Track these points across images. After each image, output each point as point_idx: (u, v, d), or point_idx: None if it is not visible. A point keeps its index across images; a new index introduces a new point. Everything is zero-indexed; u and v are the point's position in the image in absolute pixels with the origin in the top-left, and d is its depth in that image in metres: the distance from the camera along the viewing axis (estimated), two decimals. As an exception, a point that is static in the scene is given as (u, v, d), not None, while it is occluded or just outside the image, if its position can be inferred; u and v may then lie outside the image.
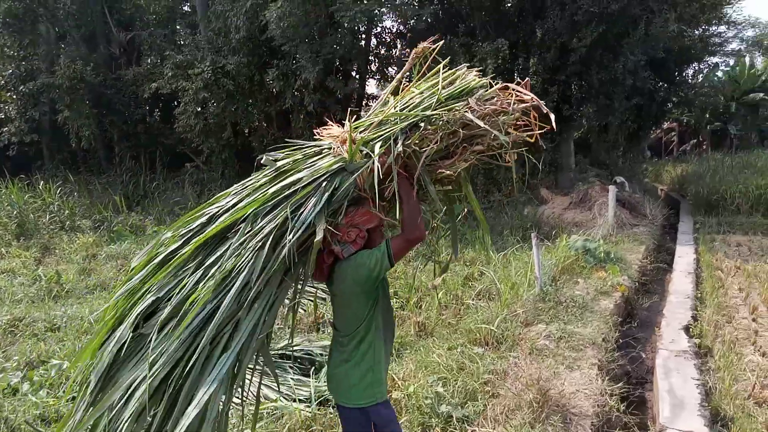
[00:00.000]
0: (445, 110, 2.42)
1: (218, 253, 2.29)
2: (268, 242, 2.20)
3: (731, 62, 29.50)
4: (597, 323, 5.43)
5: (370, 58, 15.84)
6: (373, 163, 2.31)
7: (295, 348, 4.54)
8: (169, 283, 2.29)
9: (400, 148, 2.34)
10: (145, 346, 2.22)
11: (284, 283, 2.32)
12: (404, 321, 5.61)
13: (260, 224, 2.26)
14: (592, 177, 14.67)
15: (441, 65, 2.70)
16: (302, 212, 2.25)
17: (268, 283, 2.23)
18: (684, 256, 8.89)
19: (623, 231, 10.38)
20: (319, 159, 2.44)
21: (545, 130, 2.54)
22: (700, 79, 27.05)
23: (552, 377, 3.99)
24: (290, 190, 2.33)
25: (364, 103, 16.84)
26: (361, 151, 2.38)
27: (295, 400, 3.82)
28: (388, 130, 2.42)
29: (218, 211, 2.43)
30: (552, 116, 2.43)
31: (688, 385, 4.21)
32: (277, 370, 4.16)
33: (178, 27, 19.11)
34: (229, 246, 2.26)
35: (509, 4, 15.16)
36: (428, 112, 2.42)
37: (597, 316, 5.64)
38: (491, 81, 2.62)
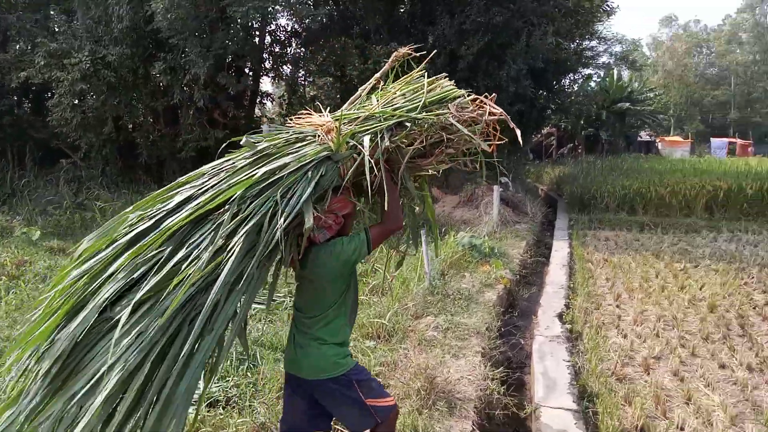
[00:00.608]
0: (432, 114, 2.61)
1: (201, 234, 2.22)
2: (264, 224, 2.22)
3: (602, 74, 32.19)
4: (481, 314, 5.76)
5: (264, 55, 15.58)
6: (360, 154, 2.45)
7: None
8: (144, 264, 2.18)
9: (387, 143, 2.51)
10: (109, 332, 2.09)
11: (264, 266, 2.28)
12: (298, 318, 5.61)
13: (249, 207, 2.25)
14: (480, 177, 15.41)
15: (420, 72, 2.92)
16: (291, 198, 2.28)
17: (258, 266, 2.22)
18: (560, 250, 9.62)
19: (507, 228, 11.04)
20: (304, 145, 2.50)
21: (504, 141, 2.81)
22: (575, 89, 29.28)
23: (439, 366, 4.19)
24: (278, 175, 2.34)
25: (258, 100, 16.54)
26: (348, 143, 2.48)
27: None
28: (376, 125, 2.57)
29: (196, 191, 2.37)
30: (518, 131, 2.70)
31: (560, 367, 4.61)
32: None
33: (51, 12, 17.65)
34: (215, 227, 2.22)
35: (402, 10, 15.57)
36: (419, 115, 2.60)
37: (481, 307, 5.99)
38: (465, 92, 2.81)
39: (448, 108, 2.66)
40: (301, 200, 2.28)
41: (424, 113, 2.61)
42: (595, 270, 8.22)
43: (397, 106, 2.68)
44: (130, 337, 2.02)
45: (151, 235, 2.24)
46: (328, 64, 15.16)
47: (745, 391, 4.28)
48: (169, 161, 14.69)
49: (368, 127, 2.57)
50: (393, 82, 2.96)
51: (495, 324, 5.68)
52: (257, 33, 15.15)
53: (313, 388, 2.65)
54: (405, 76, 2.93)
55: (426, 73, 2.88)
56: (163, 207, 2.36)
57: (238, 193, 2.27)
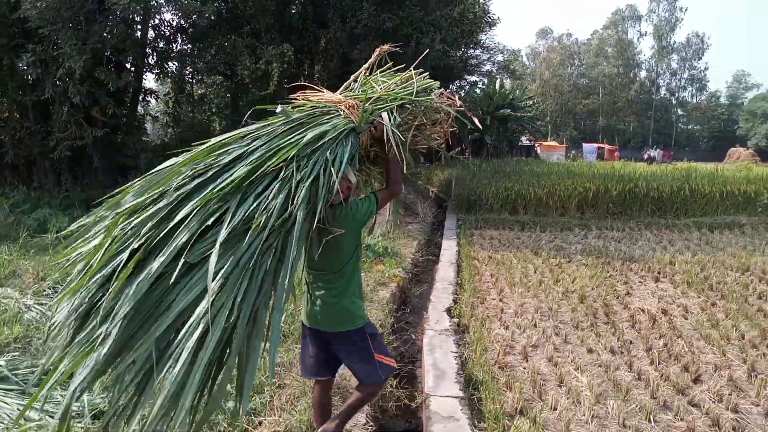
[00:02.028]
0: (425, 98, 3.21)
1: (265, 187, 2.47)
2: (321, 178, 2.53)
3: (486, 82, 33.95)
4: (376, 311, 5.93)
5: (147, 50, 14.83)
6: (375, 127, 2.96)
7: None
8: (214, 212, 2.32)
9: (398, 119, 3.01)
10: (185, 275, 2.20)
11: (307, 220, 2.50)
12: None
13: (309, 164, 2.56)
14: (371, 179, 15.70)
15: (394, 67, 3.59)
16: (335, 159, 2.63)
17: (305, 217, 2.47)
18: (449, 248, 10.07)
19: (399, 228, 11.37)
20: (332, 118, 2.86)
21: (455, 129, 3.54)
22: (462, 95, 30.65)
23: (334, 363, 4.28)
24: (322, 141, 2.67)
25: (141, 98, 15.71)
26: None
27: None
28: (385, 105, 3.04)
29: (245, 150, 2.61)
30: (476, 121, 3.66)
31: (449, 358, 4.86)
32: (34, 388, 3.78)
33: None
34: (279, 181, 2.47)
35: (294, 11, 15.50)
36: (418, 98, 3.18)
37: (376, 305, 6.16)
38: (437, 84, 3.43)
39: (432, 95, 3.27)
40: (344, 161, 2.65)
41: (422, 98, 3.20)
42: (480, 267, 8.71)
43: (396, 91, 3.17)
44: (218, 278, 2.15)
45: (213, 187, 2.40)
46: (217, 62, 14.75)
47: (608, 371, 4.77)
48: (40, 161, 13.56)
49: (380, 106, 3.03)
50: (370, 74, 3.50)
51: (388, 321, 5.87)
52: (139, 27, 14.41)
53: (330, 338, 3.04)
54: (385, 70, 3.51)
55: (412, 69, 3.45)
56: (215, 162, 2.53)
57: (293, 152, 2.57)
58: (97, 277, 2.27)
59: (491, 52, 27.00)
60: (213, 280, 2.12)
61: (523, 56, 73.83)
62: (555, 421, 3.91)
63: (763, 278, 8.12)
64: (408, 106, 3.13)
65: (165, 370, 2.08)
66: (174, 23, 15.30)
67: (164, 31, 15.30)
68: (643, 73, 74.27)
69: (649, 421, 3.96)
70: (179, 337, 2.10)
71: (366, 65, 3.50)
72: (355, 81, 3.43)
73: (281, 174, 2.50)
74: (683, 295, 7.26)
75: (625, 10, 72.94)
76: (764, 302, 6.94)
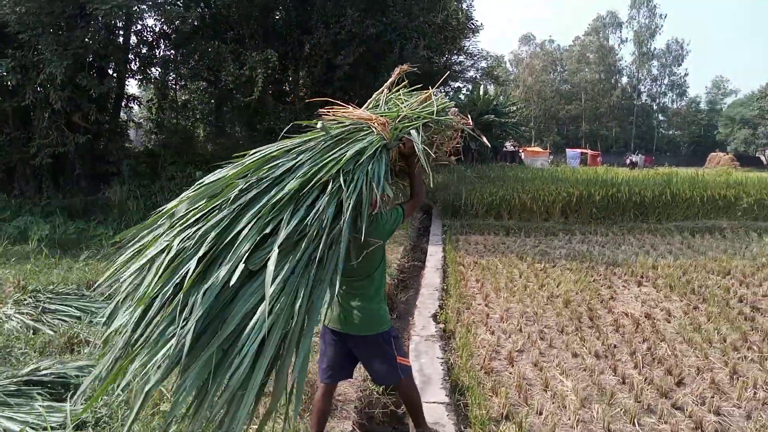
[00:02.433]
0: (445, 117, 3.45)
1: (314, 199, 2.61)
2: (364, 192, 2.71)
3: (470, 88, 34.20)
4: (361, 318, 5.91)
5: (130, 56, 14.70)
6: (404, 144, 3.16)
7: (45, 372, 4.07)
8: (271, 222, 2.49)
9: (424, 137, 3.21)
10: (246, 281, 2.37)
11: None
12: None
13: (353, 180, 2.70)
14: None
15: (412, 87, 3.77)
16: (373, 174, 2.81)
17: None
18: (434, 254, 10.09)
19: (385, 234, 11.33)
20: (366, 134, 3.02)
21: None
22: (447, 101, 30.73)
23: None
24: (362, 157, 2.83)
25: (124, 104, 15.57)
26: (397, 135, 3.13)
27: (46, 429, 3.45)
28: (413, 123, 3.25)
29: (294, 164, 2.76)
30: (485, 139, 3.95)
31: (435, 364, 4.87)
32: (22, 399, 3.73)
33: None
34: (328, 194, 2.62)
35: (277, 17, 15.49)
36: (440, 117, 3.40)
37: (361, 312, 6.13)
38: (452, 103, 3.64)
39: (448, 114, 3.50)
40: (381, 177, 2.85)
41: (443, 117, 3.44)
42: (466, 272, 8.73)
43: (420, 110, 3.39)
44: (276, 283, 2.31)
45: (268, 199, 2.57)
46: (200, 68, 14.68)
47: (593, 375, 4.81)
48: (21, 168, 13.36)
49: (408, 124, 3.23)
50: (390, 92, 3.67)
51: (374, 327, 5.85)
52: (122, 33, 14.30)
53: (357, 342, 3.19)
54: (404, 89, 3.70)
55: (430, 89, 3.70)
56: (268, 175, 2.69)
57: (338, 167, 2.72)
58: (162, 283, 2.38)
59: (475, 58, 27.17)
60: (271, 285, 2.28)
61: (507, 62, 74.41)
62: (540, 425, 3.93)
63: (743, 281, 8.25)
64: (431, 125, 3.37)
65: (228, 372, 2.22)
66: (157, 29, 15.19)
67: (147, 37, 15.17)
68: (624, 79, 75.30)
69: (634, 424, 3.99)
70: (242, 340, 2.24)
71: (387, 83, 3.69)
72: (377, 99, 3.64)
73: (328, 187, 2.64)
74: (666, 298, 7.35)
75: (606, 17, 73.97)
76: (744, 305, 7.04)
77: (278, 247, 2.38)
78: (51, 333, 5.20)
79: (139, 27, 14.92)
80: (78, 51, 11.58)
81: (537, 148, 51.64)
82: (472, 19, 21.18)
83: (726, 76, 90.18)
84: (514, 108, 40.15)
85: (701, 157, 57.05)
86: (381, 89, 3.65)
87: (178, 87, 16.96)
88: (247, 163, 2.81)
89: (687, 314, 6.61)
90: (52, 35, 11.49)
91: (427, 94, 3.56)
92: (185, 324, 2.20)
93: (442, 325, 6.11)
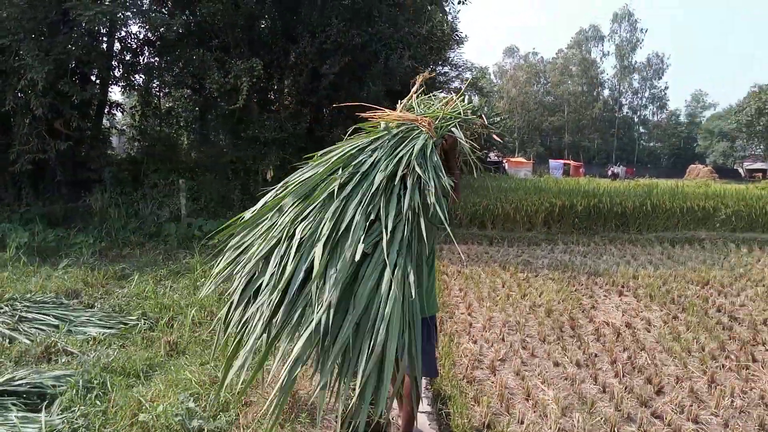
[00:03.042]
0: (475, 117, 3.82)
1: (395, 193, 2.82)
2: (437, 182, 2.90)
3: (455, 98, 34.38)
4: (344, 327, 5.89)
5: (113, 63, 14.58)
6: (446, 141, 3.44)
7: (20, 382, 4.00)
8: (372, 211, 2.72)
9: (460, 134, 3.50)
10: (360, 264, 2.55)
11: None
12: (153, 342, 5.34)
13: (424, 172, 2.93)
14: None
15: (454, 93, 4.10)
16: (435, 167, 3.01)
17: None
18: (418, 264, 10.08)
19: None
20: (419, 133, 3.25)
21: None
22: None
23: (302, 380, 4.22)
24: (427, 150, 3.09)
25: (106, 110, 15.41)
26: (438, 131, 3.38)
27: (20, 440, 3.39)
28: (449, 123, 3.51)
29: (374, 160, 3.01)
30: (499, 139, 4.56)
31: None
32: (-4, 409, 3.66)
33: None
34: (405, 187, 2.83)
35: (263, 25, 15.48)
36: (471, 117, 3.77)
37: (344, 321, 6.11)
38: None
39: (474, 116, 3.81)
40: (442, 168, 3.09)
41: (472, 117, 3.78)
42: (449, 281, 8.76)
43: (452, 110, 3.66)
44: (390, 266, 2.49)
45: (365, 190, 2.80)
46: (185, 75, 14.60)
47: (574, 384, 4.84)
48: (0, 175, 13.14)
49: (445, 123, 3.50)
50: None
51: (357, 337, 5.83)
52: (105, 39, 14.18)
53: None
54: (429, 96, 4.05)
55: (453, 94, 4.03)
56: (357, 171, 2.93)
57: (410, 161, 2.96)
58: (293, 268, 2.58)
59: (459, 69, 27.44)
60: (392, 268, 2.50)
61: (491, 74, 75.11)
62: (522, 434, 3.94)
63: (721, 291, 8.38)
64: (462, 124, 3.66)
65: (368, 343, 2.40)
66: (141, 36, 15.06)
67: (131, 44, 15.05)
68: (606, 92, 76.42)
69: (614, 433, 4.03)
70: (372, 316, 2.43)
71: (414, 90, 4.02)
72: (406, 103, 3.94)
73: (408, 180, 2.87)
74: (646, 308, 7.43)
75: (589, 30, 75.10)
76: (723, 315, 7.15)
77: (389, 230, 2.62)
78: (27, 342, 5.12)
79: (123, 34, 14.79)
80: (60, 57, 11.46)
81: (520, 159, 52.10)
82: (457, 31, 21.42)
83: (705, 89, 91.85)
84: (498, 119, 40.43)
85: (681, 169, 57.97)
86: (410, 95, 3.98)
87: (161, 94, 16.84)
88: (333, 160, 3.06)
89: (666, 324, 6.70)
90: (34, 41, 11.36)
91: (449, 98, 3.90)
92: (321, 305, 2.41)
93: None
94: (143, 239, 10.87)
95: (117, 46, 14.72)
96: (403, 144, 3.15)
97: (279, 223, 2.86)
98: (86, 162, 13.50)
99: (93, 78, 13.97)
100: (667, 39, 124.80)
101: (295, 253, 2.62)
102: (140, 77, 15.36)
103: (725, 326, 6.66)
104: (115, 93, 26.74)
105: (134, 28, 15.04)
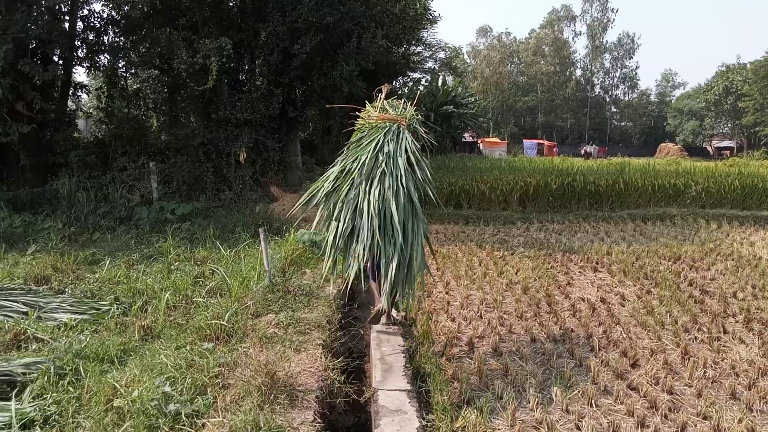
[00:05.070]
0: (418, 119, 5.72)
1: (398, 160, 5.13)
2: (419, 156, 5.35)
3: (429, 78, 34.27)
4: (322, 308, 5.85)
5: (76, 43, 14.09)
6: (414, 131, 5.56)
7: (-14, 370, 3.87)
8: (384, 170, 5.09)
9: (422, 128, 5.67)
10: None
11: None
12: (127, 327, 5.22)
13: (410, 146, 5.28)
14: (318, 175, 15.51)
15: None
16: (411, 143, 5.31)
17: None
18: (395, 244, 10.06)
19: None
20: (399, 127, 5.36)
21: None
22: (405, 92, 30.79)
23: (280, 361, 4.17)
24: (407, 139, 5.31)
25: (71, 91, 14.91)
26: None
27: (-12, 429, 3.28)
28: (412, 119, 5.56)
29: (379, 144, 5.25)
30: (429, 139, 5.74)
31: (396, 352, 4.85)
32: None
33: None
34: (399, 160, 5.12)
35: (231, 4, 15.12)
36: (420, 118, 5.79)
37: (322, 302, 6.07)
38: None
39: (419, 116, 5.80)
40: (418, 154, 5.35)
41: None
42: (427, 260, 8.74)
43: (408, 112, 5.61)
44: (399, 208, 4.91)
45: (378, 163, 5.15)
46: (152, 55, 14.21)
47: (551, 360, 4.89)
48: (-40, 159, 12.70)
49: (411, 122, 5.52)
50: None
51: (335, 317, 5.80)
52: (67, 18, 13.67)
53: None
54: (392, 100, 5.89)
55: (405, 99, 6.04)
56: (386, 156, 5.14)
57: (403, 143, 5.23)
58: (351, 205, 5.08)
59: (433, 49, 27.29)
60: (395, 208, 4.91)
61: (464, 54, 74.90)
62: (501, 409, 3.96)
63: (693, 266, 8.54)
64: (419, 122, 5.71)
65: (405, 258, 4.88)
66: (105, 14, 14.56)
67: (94, 23, 14.53)
68: (578, 72, 76.89)
69: (591, 405, 4.08)
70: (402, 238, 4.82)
71: (382, 97, 5.71)
72: (374, 105, 5.75)
73: (406, 155, 5.18)
74: (620, 283, 7.54)
75: (561, 10, 75.25)
76: (694, 289, 7.30)
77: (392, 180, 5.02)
78: (-6, 329, 4.95)
79: (86, 12, 14.29)
80: (19, 36, 11.02)
81: (495, 139, 52.29)
82: (430, 10, 21.19)
83: (675, 69, 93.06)
84: (472, 99, 40.47)
85: (652, 147, 58.93)
86: (379, 100, 5.70)
87: (128, 75, 16.37)
88: (369, 149, 5.21)
89: (640, 298, 6.81)
90: (-9, 19, 10.91)
91: (408, 103, 5.80)
92: (374, 226, 4.84)
93: (403, 313, 6.09)
94: (114, 224, 10.62)
95: (80, 25, 14.23)
96: (399, 136, 5.25)
97: (353, 189, 5.08)
98: (51, 145, 13.10)
99: (55, 59, 13.46)
100: (638, 19, 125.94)
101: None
102: (105, 57, 14.90)
103: (697, 300, 6.79)
104: (80, 74, 25.91)
105: (97, 6, 14.62)
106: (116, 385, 3.68)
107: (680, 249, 9.56)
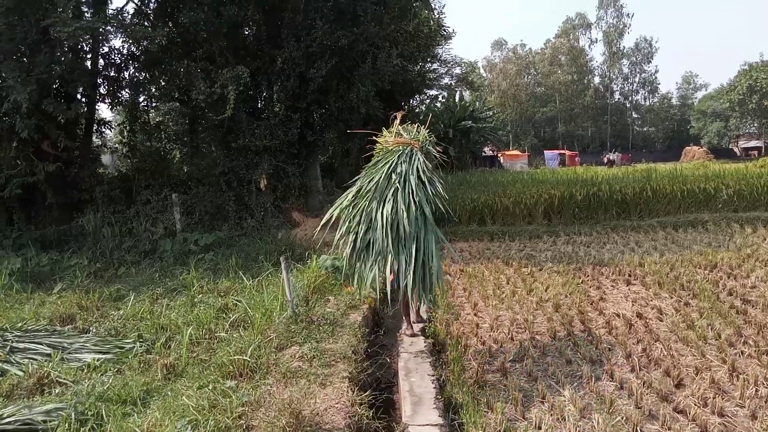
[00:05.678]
0: (430, 140, 6.00)
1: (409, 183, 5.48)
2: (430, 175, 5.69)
3: (446, 95, 34.23)
4: (347, 337, 5.69)
5: (98, 80, 14.37)
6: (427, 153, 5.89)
7: (9, 420, 3.79)
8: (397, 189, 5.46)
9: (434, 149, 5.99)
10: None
11: None
12: (150, 365, 5.14)
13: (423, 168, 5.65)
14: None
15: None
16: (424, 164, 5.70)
17: None
18: (419, 265, 9.88)
19: (368, 247, 11.14)
20: (412, 149, 5.71)
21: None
22: (423, 109, 30.79)
23: (305, 397, 4.02)
24: (420, 158, 5.68)
25: (94, 128, 15.20)
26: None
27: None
28: (426, 141, 5.87)
29: (390, 168, 5.62)
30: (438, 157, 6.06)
31: (425, 382, 4.67)
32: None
33: None
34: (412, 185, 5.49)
35: (247, 32, 15.29)
36: (432, 141, 6.04)
37: (347, 330, 5.92)
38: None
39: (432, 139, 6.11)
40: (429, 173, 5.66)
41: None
42: (453, 281, 8.56)
43: (424, 135, 5.92)
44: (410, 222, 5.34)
45: (391, 182, 5.54)
46: (171, 88, 14.40)
47: (589, 383, 4.65)
48: (-10, 201, 12.93)
49: (424, 144, 5.82)
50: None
51: (361, 346, 5.63)
52: (88, 56, 13.97)
53: None
54: (407, 125, 6.11)
55: (417, 124, 6.20)
56: (398, 176, 5.50)
57: (415, 165, 5.59)
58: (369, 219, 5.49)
59: (449, 65, 27.29)
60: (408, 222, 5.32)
61: (480, 68, 74.83)
62: (540, 441, 3.75)
63: (731, 274, 8.19)
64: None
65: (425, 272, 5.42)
66: (124, 50, 14.87)
67: (115, 59, 14.84)
68: (596, 79, 76.08)
69: (636, 433, 3.83)
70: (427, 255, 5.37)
71: (397, 122, 6.03)
72: (390, 130, 6.08)
73: (417, 173, 5.53)
74: (656, 296, 7.24)
75: (575, 19, 74.85)
76: (735, 298, 6.96)
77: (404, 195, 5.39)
78: (19, 374, 4.91)
79: (106, 49, 14.60)
80: (42, 77, 11.24)
81: (515, 152, 51.88)
82: (444, 26, 21.21)
83: (695, 71, 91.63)
84: (491, 113, 40.20)
85: (676, 151, 57.77)
86: (395, 124, 6.02)
87: (149, 108, 16.64)
88: (384, 170, 5.60)
89: (678, 311, 6.51)
90: (15, 61, 11.16)
91: (420, 127, 6.07)
92: (387, 237, 5.28)
93: (431, 339, 5.91)
94: (138, 257, 10.66)
95: (101, 62, 14.53)
96: (412, 158, 5.63)
97: (369, 206, 5.52)
98: (76, 182, 13.29)
99: (78, 96, 13.74)
100: (655, 22, 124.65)
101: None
102: (126, 93, 15.16)
103: (739, 310, 6.47)
104: (104, 111, 26.52)
105: (117, 43, 14.96)
106: (137, 430, 3.57)
107: (716, 256, 9.19)
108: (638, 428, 3.86)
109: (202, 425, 3.63)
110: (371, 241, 5.40)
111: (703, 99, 74.96)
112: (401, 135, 5.89)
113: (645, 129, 79.24)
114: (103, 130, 16.33)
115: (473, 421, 3.86)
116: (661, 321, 6.26)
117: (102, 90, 14.77)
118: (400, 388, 4.73)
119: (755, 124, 62.62)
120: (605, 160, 47.54)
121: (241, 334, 5.72)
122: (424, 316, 6.58)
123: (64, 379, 4.73)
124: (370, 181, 5.62)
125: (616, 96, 76.41)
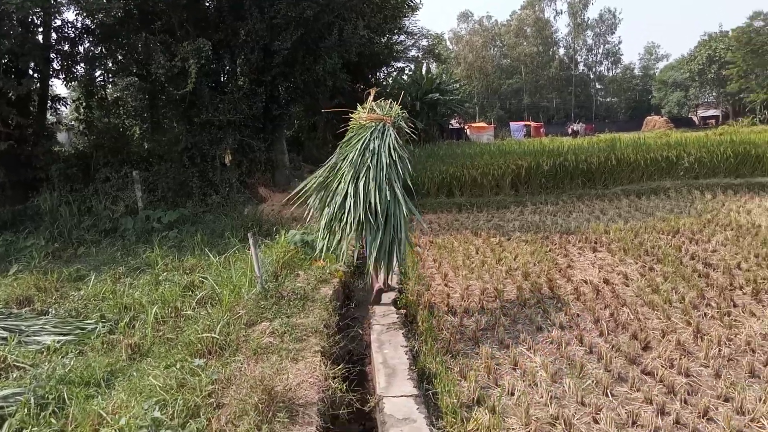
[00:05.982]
0: (401, 115, 6.20)
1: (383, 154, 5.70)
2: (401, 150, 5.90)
3: (413, 67, 33.93)
4: (318, 311, 5.62)
5: (51, 54, 13.69)
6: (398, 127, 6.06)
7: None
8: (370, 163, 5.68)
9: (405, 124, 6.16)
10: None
11: None
12: (114, 346, 4.98)
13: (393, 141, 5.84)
14: (307, 173, 15.27)
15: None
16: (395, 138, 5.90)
17: None
18: (389, 238, 9.83)
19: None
20: (384, 124, 5.89)
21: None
22: (390, 82, 30.49)
23: (277, 373, 3.94)
24: (391, 135, 5.86)
25: (48, 105, 14.56)
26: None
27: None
28: (397, 117, 6.05)
29: (365, 141, 5.79)
30: (411, 134, 6.31)
31: (398, 353, 4.64)
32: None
33: None
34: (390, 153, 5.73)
35: (208, 3, 14.76)
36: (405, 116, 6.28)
37: (318, 304, 5.85)
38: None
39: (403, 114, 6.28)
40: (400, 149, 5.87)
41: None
42: (423, 252, 8.55)
43: (395, 111, 6.08)
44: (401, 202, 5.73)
45: (363, 159, 5.71)
46: (129, 62, 13.85)
47: (560, 348, 4.70)
48: (-62, 182, 12.32)
49: (396, 120, 6.00)
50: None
51: (333, 319, 5.57)
52: (40, 29, 13.28)
53: None
54: (380, 101, 6.31)
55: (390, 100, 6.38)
56: (372, 151, 5.69)
57: (387, 140, 5.78)
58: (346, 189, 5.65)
59: (415, 37, 26.98)
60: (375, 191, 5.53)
61: (447, 40, 74.40)
62: (514, 406, 3.77)
63: (692, 239, 8.38)
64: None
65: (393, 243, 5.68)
66: (79, 24, 14.15)
67: (68, 33, 14.12)
68: (561, 51, 76.67)
69: (607, 395, 3.89)
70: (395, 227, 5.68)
71: (370, 99, 6.21)
72: (364, 106, 6.23)
73: (389, 150, 5.72)
74: (621, 262, 7.37)
75: (541, -10, 74.82)
76: (697, 262, 7.13)
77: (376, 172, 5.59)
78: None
79: (59, 23, 13.89)
80: (-10, 51, 10.66)
81: (482, 124, 52.04)
82: (410, -3, 20.88)
83: (657, 41, 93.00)
84: (457, 85, 40.07)
85: (638, 121, 58.87)
86: (368, 102, 6.18)
87: (106, 84, 15.98)
88: (359, 147, 5.76)
89: (644, 276, 6.64)
90: (-41, 35, 10.54)
91: (393, 103, 6.22)
92: (359, 211, 5.46)
93: (403, 311, 5.89)
94: (99, 237, 10.32)
95: (53, 36, 13.83)
96: (384, 133, 5.82)
97: (344, 181, 5.69)
98: (31, 161, 12.75)
99: (30, 71, 13.09)
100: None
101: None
102: (82, 67, 14.49)
103: (701, 273, 6.63)
104: (59, 87, 25.44)
105: (70, 16, 14.24)
106: (102, 412, 3.45)
107: (678, 222, 9.41)
108: (608, 391, 3.92)
109: (170, 405, 3.52)
110: (345, 215, 5.57)
111: (665, 69, 76.33)
112: (374, 111, 6.06)
113: (608, 99, 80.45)
114: (58, 106, 15.67)
115: (447, 390, 3.85)
116: (627, 286, 6.37)
117: (55, 65, 14.08)
118: (373, 360, 4.70)
119: (713, 94, 64.16)
120: (569, 130, 48.10)
121: (209, 311, 5.60)
122: (395, 286, 6.76)
123: (22, 362, 4.55)
124: (344, 159, 5.83)
125: (581, 67, 77.27)
